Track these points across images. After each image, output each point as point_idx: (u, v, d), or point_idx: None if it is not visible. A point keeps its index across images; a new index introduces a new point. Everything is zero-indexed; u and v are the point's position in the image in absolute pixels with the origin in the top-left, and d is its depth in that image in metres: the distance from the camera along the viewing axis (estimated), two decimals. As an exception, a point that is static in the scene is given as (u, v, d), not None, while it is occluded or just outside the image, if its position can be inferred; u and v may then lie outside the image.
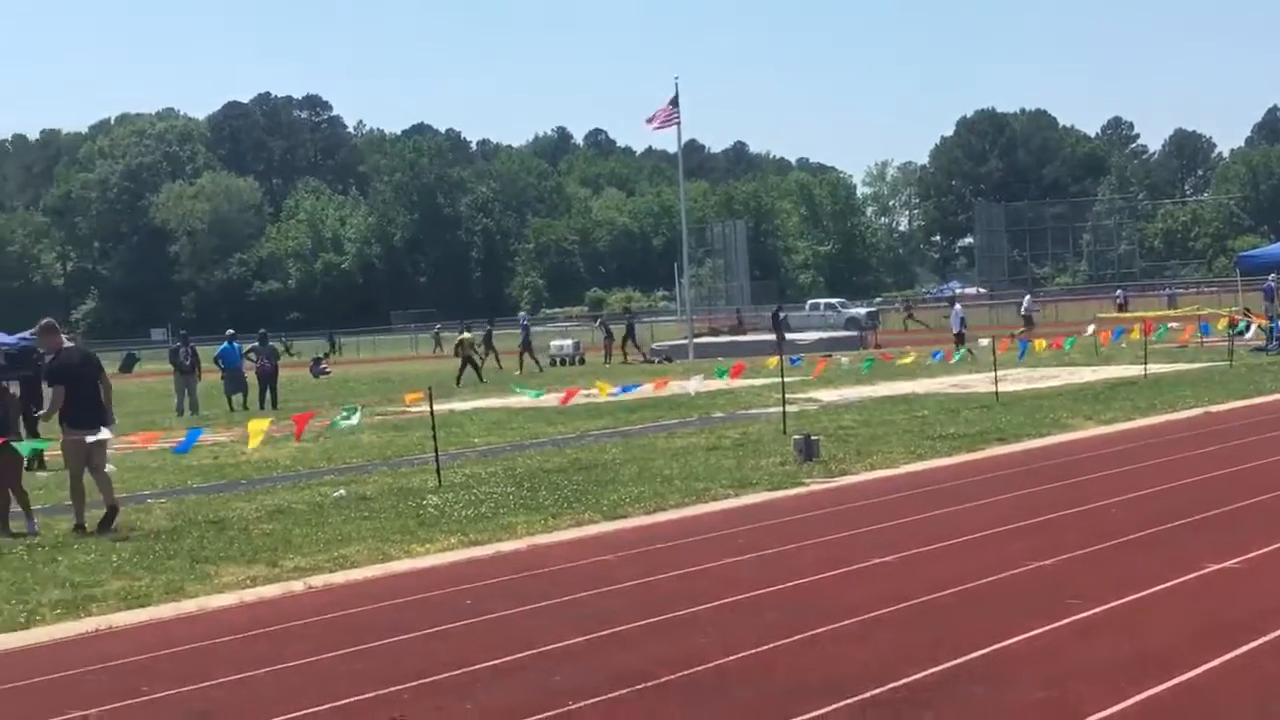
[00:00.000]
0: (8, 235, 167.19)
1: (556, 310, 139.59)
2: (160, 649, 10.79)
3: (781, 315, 69.06)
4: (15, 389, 22.30)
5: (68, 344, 18.19)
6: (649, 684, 8.92)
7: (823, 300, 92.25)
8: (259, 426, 19.40)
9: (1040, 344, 34.62)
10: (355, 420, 20.58)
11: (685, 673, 9.15)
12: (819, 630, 10.10)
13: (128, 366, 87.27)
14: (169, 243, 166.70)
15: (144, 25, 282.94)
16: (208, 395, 40.16)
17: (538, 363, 56.90)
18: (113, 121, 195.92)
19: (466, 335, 52.99)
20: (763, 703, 8.45)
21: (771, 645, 9.76)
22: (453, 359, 55.84)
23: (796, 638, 9.93)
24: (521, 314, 61.77)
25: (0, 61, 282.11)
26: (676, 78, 68.41)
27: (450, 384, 44.85)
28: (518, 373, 52.49)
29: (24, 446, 16.62)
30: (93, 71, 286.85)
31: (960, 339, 47.51)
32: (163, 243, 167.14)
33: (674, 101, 59.88)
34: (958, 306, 54.04)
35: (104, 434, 17.29)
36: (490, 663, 9.69)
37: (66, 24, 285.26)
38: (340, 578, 13.38)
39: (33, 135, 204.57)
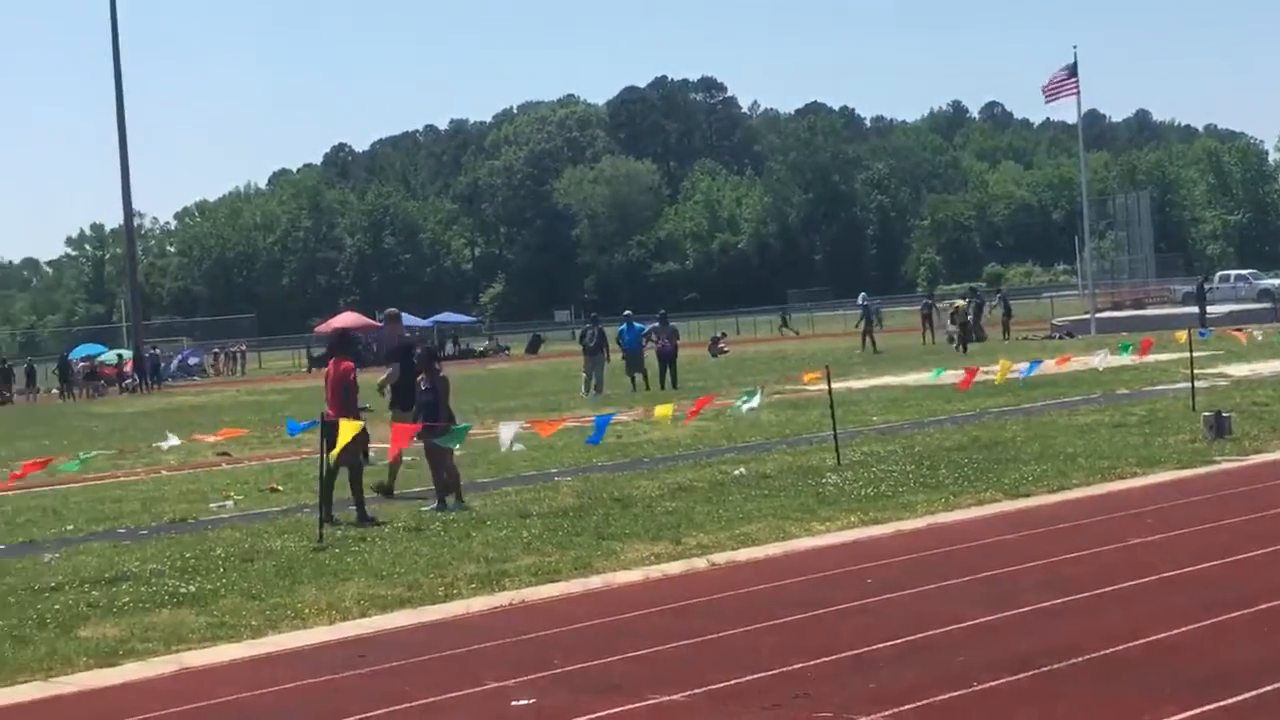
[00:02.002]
0: (420, 223, 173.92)
1: (955, 286, 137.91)
2: (570, 623, 11.14)
3: (1208, 287, 66.46)
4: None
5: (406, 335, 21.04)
6: (1054, 666, 8.78)
7: (1233, 272, 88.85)
8: (666, 411, 19.71)
9: None
10: (755, 403, 20.73)
11: (1092, 655, 8.97)
12: (1232, 615, 9.78)
13: (533, 348, 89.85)
14: (570, 226, 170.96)
15: (544, 16, 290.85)
16: (612, 376, 40.97)
17: (875, 345, 55.36)
18: (515, 110, 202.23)
19: (960, 303, 52.91)
20: (1173, 689, 8.20)
21: (1182, 630, 9.51)
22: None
23: (1208, 622, 9.64)
24: (862, 294, 60.87)
25: (412, 57, 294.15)
26: (1075, 46, 66.89)
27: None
28: (858, 352, 52.62)
29: (459, 431, 17.35)
30: (496, 63, 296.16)
31: None
32: (564, 226, 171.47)
33: (1072, 71, 58.56)
34: None
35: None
36: (892, 641, 9.70)
37: (471, 19, 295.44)
38: (742, 555, 13.55)
39: (442, 126, 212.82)
